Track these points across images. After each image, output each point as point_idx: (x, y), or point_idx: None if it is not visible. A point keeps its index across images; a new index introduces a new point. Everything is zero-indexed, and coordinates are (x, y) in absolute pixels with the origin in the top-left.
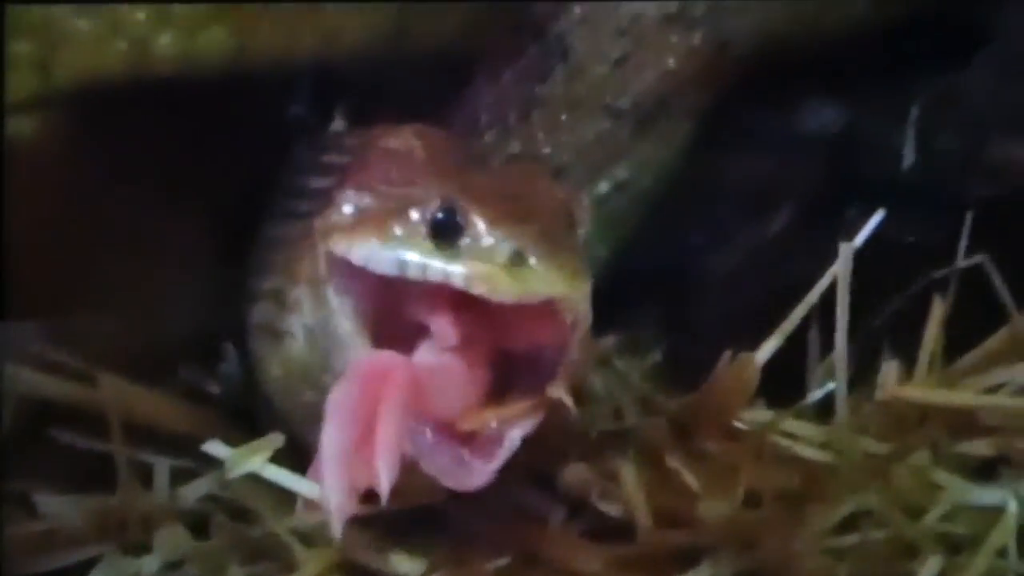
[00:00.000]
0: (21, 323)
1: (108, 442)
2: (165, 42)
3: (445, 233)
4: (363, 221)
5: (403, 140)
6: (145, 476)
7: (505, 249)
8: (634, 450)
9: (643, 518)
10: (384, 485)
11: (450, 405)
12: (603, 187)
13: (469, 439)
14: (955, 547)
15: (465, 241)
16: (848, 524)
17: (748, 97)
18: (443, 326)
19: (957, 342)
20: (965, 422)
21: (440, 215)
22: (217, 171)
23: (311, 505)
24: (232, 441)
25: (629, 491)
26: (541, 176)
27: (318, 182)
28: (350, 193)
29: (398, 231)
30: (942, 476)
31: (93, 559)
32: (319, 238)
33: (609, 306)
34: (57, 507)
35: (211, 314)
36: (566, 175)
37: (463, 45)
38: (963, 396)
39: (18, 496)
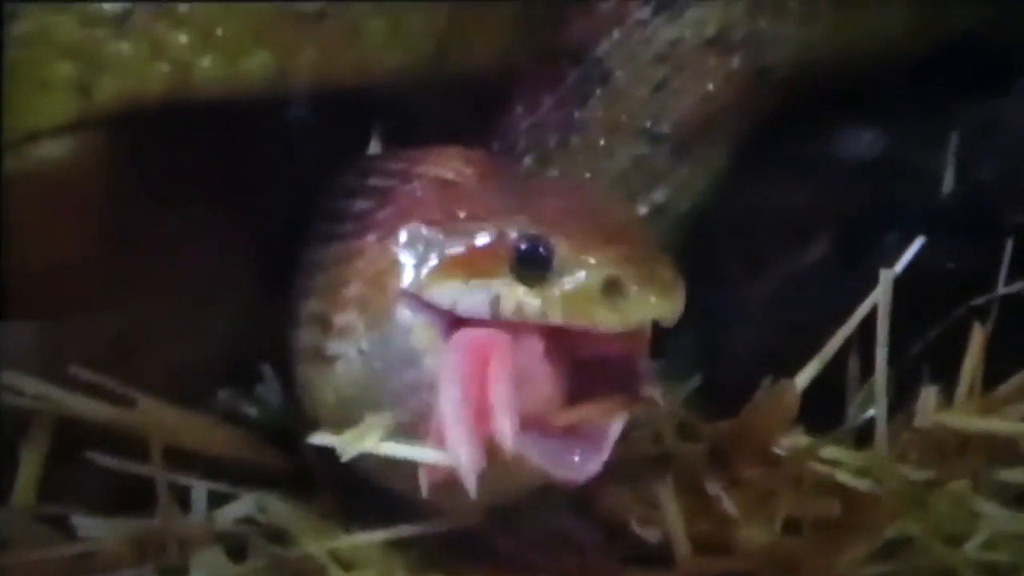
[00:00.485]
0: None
1: (146, 464)
2: (207, 65)
3: (532, 266)
4: (441, 262)
5: (452, 166)
6: (183, 499)
7: (599, 278)
8: (673, 476)
9: (682, 544)
10: (509, 443)
11: (534, 399)
12: (641, 211)
13: (569, 434)
14: (995, 575)
15: (554, 273)
16: (888, 552)
17: (787, 122)
18: (529, 340)
19: (997, 369)
20: (1005, 449)
21: (524, 247)
22: (257, 194)
23: (434, 473)
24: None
25: (668, 517)
26: (596, 188)
27: (359, 205)
28: (413, 226)
29: (482, 270)
30: (982, 504)
31: None
32: (382, 273)
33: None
34: (95, 529)
35: (249, 337)
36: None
37: (502, 70)
38: (1003, 424)
39: (56, 518)
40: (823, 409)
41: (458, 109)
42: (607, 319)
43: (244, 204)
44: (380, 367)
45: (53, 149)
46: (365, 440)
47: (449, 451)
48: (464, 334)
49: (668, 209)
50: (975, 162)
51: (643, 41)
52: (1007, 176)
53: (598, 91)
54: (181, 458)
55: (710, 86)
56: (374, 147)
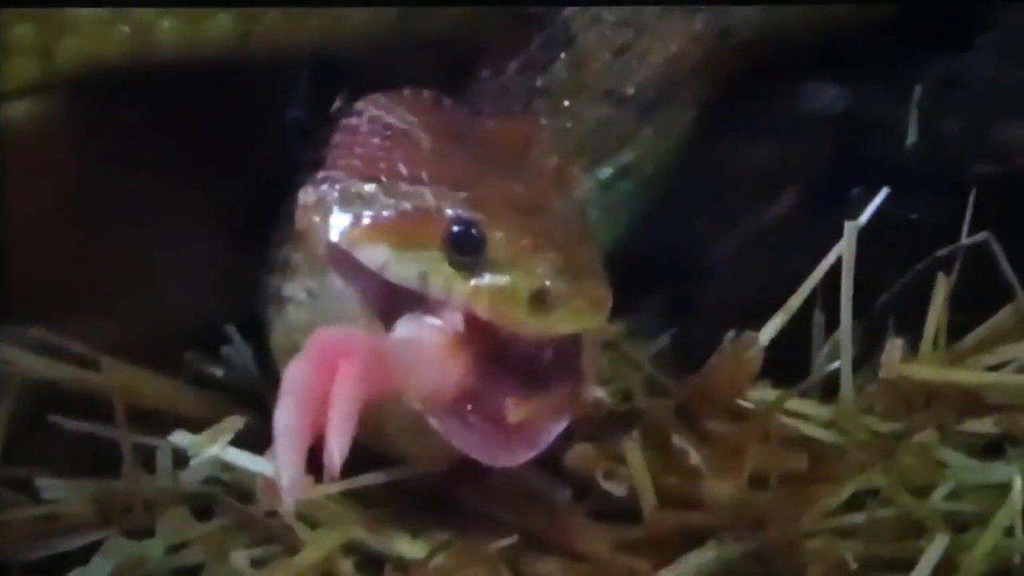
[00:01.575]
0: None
1: (111, 426)
2: (168, 28)
3: (463, 251)
4: (374, 223)
5: (403, 115)
6: (148, 460)
7: (527, 287)
8: (641, 432)
9: (649, 499)
10: (334, 462)
11: (425, 382)
12: (606, 172)
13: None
14: (962, 526)
15: (484, 264)
16: (854, 503)
17: (751, 80)
18: (452, 317)
19: (961, 320)
20: (970, 401)
21: (457, 229)
22: (219, 157)
23: (269, 484)
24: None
25: (635, 472)
26: (539, 145)
27: (317, 153)
28: (350, 175)
29: (412, 240)
30: (948, 455)
31: (96, 543)
32: (315, 220)
33: (617, 290)
34: (60, 491)
35: (215, 298)
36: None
37: (467, 34)
38: (968, 374)
39: (20, 480)
40: (789, 362)
41: (424, 72)
42: (531, 325)
43: (207, 166)
44: (322, 311)
45: (15, 111)
46: (214, 444)
47: (274, 469)
48: (319, 334)
49: (634, 170)
50: (938, 115)
51: (607, 4)
52: (969, 129)
53: (563, 55)
54: (147, 419)
55: (673, 48)
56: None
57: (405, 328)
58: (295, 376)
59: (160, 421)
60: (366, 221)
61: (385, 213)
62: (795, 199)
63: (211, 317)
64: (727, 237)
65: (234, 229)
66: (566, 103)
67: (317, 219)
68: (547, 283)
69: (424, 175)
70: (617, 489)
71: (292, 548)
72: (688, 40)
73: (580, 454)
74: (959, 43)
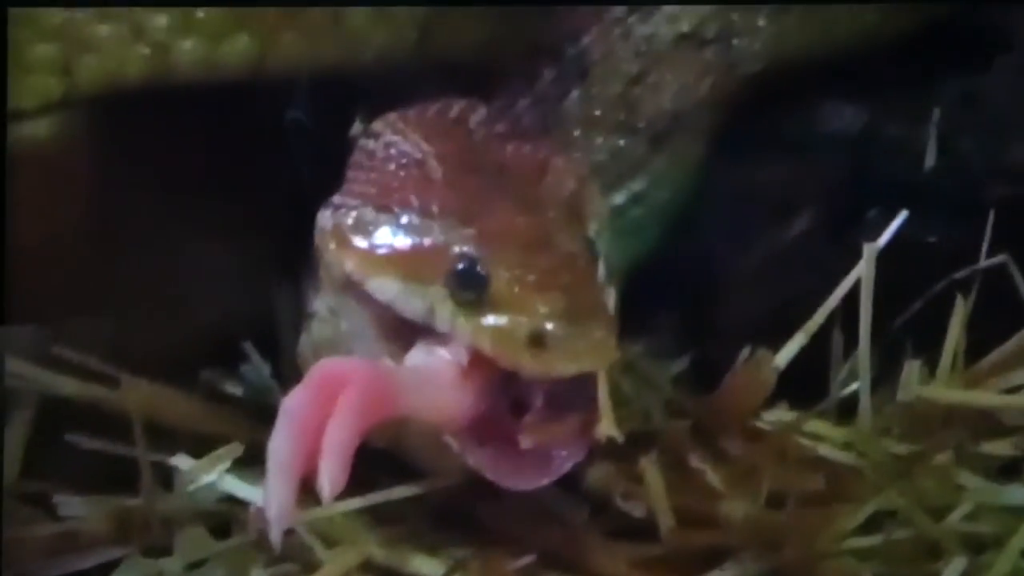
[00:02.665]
0: (36, 327)
1: (129, 443)
2: (187, 48)
3: (466, 288)
4: (383, 255)
5: (416, 141)
6: (166, 477)
7: (525, 329)
8: (659, 452)
9: (666, 518)
10: (326, 493)
11: (437, 410)
12: (619, 199)
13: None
14: (979, 547)
15: (487, 303)
16: (872, 525)
17: (768, 100)
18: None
19: (980, 342)
20: (988, 422)
21: (461, 266)
22: (237, 174)
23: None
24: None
25: (653, 492)
26: (556, 170)
27: (345, 173)
28: (364, 202)
29: (421, 276)
30: (965, 477)
31: (114, 561)
32: (331, 246)
33: (636, 311)
34: (78, 508)
35: (233, 316)
36: None
37: (485, 57)
38: (986, 396)
39: (39, 497)
40: (807, 384)
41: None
42: (530, 366)
43: (226, 183)
44: (342, 330)
45: (37, 129)
46: (214, 471)
47: (264, 499)
48: (321, 364)
49: (646, 198)
50: (957, 137)
51: (621, 37)
52: (988, 151)
53: (577, 86)
54: (165, 436)
55: (684, 80)
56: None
57: (417, 356)
58: (292, 405)
59: (178, 439)
60: (376, 253)
61: (394, 246)
62: (812, 220)
63: (229, 335)
64: (745, 258)
65: (253, 247)
66: (577, 133)
67: (333, 246)
68: (546, 326)
69: (434, 207)
70: (635, 510)
71: (310, 566)
72: (698, 72)
73: (599, 474)
74: (977, 64)
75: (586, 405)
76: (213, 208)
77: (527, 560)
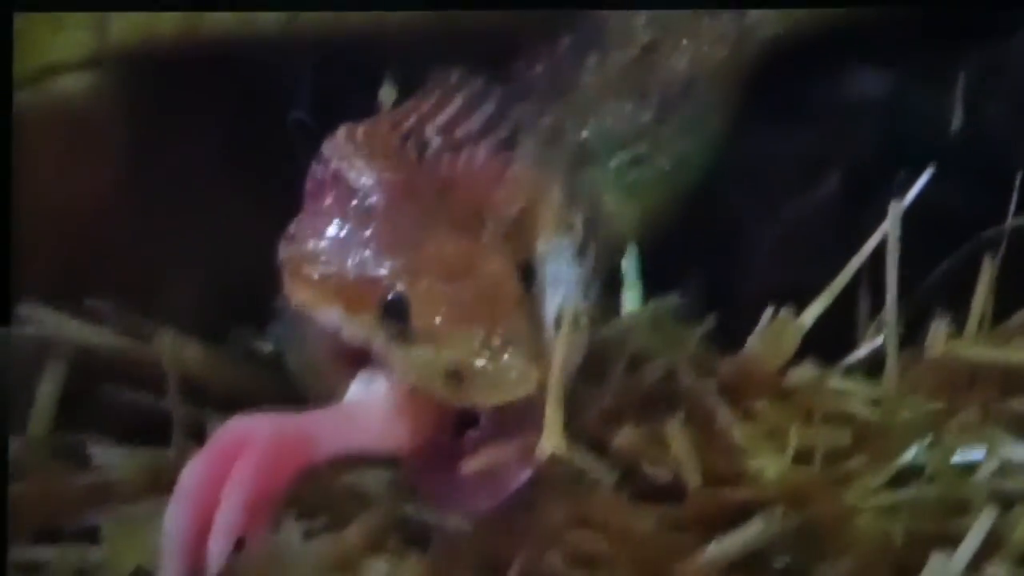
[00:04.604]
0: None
1: (160, 397)
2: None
3: (394, 318)
4: (326, 286)
5: (360, 169)
6: (196, 431)
7: (442, 362)
8: (685, 411)
9: (693, 477)
10: (212, 570)
11: (372, 443)
12: (621, 160)
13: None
14: (1007, 503)
15: (411, 337)
16: (900, 481)
17: (795, 65)
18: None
19: (1006, 301)
20: (1015, 380)
21: (389, 298)
22: (271, 133)
23: None
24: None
25: (679, 452)
26: (505, 188)
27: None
28: (312, 233)
29: (358, 307)
30: (992, 433)
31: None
32: (286, 278)
33: (662, 271)
34: (112, 458)
35: (264, 274)
36: (593, 147)
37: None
38: (1013, 354)
39: (73, 447)
40: (834, 343)
41: (464, 59)
42: (451, 398)
43: (262, 143)
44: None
45: (71, 84)
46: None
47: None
48: (222, 430)
49: (648, 162)
50: (983, 99)
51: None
52: (1014, 113)
53: (594, 52)
54: (195, 391)
55: (699, 46)
56: (385, 94)
57: (357, 388)
58: (187, 479)
59: (208, 393)
60: (319, 283)
61: (334, 277)
62: (840, 183)
63: (259, 292)
64: (772, 219)
65: (284, 205)
66: (591, 98)
67: (286, 276)
68: (460, 361)
69: (372, 237)
70: (662, 475)
71: (341, 521)
72: (713, 38)
73: (626, 437)
74: (1003, 27)
75: (532, 421)
76: (245, 165)
77: (554, 520)
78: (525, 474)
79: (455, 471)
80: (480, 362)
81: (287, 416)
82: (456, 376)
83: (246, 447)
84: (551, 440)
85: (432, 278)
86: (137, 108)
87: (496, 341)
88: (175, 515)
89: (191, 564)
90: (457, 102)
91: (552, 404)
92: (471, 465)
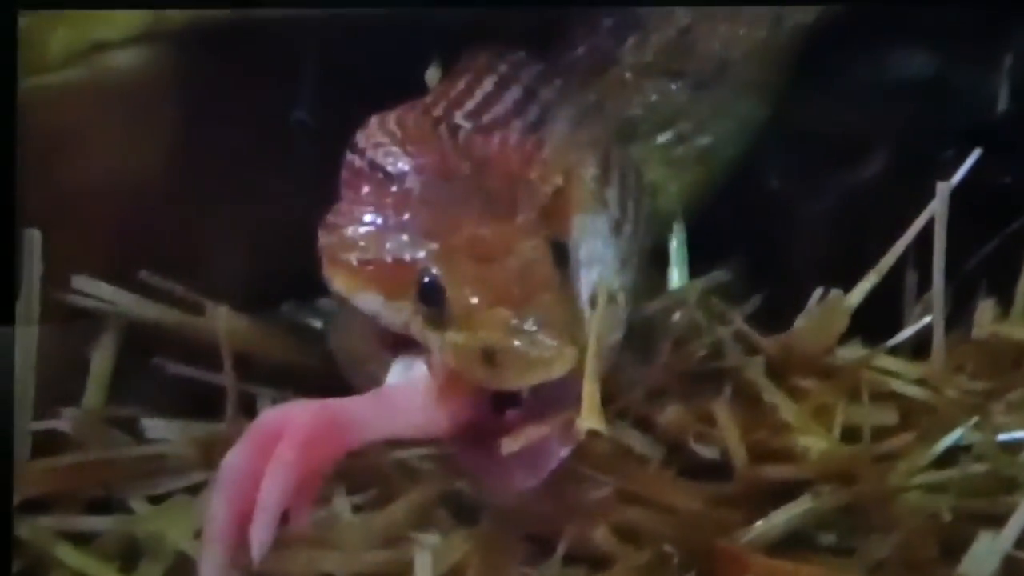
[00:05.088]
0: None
1: (212, 371)
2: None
3: (430, 302)
4: (364, 272)
5: (394, 155)
6: (247, 405)
7: (477, 342)
8: (731, 389)
9: (739, 455)
10: (255, 555)
11: (411, 427)
12: (664, 138)
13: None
14: None
15: (447, 319)
16: (946, 460)
17: (840, 44)
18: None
19: None
20: None
21: (425, 281)
22: (323, 107)
23: None
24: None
25: (725, 429)
26: (540, 167)
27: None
28: (349, 220)
29: (396, 292)
30: None
31: (199, 485)
32: (326, 266)
33: (708, 250)
34: (164, 432)
35: (314, 250)
36: (633, 125)
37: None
38: None
39: (126, 420)
40: (882, 323)
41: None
42: (487, 380)
43: (314, 116)
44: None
45: (123, 59)
46: None
47: (200, 564)
48: (259, 419)
49: (693, 139)
50: None
51: None
52: None
53: (633, 34)
54: (244, 366)
55: (734, 31)
56: (431, 76)
57: (396, 372)
58: (227, 468)
59: (258, 367)
60: (358, 269)
61: (372, 262)
62: (886, 164)
63: (308, 268)
64: (819, 198)
65: (334, 180)
66: (628, 76)
67: (325, 263)
68: (494, 341)
69: (408, 222)
70: (708, 452)
71: (391, 495)
72: (747, 23)
73: (672, 415)
74: None
75: (572, 399)
76: (296, 140)
77: (603, 493)
78: (564, 452)
79: (496, 450)
80: (515, 343)
81: (326, 402)
82: (491, 357)
83: (286, 434)
84: (589, 417)
85: (467, 261)
86: (189, 83)
87: (530, 322)
88: (216, 503)
89: (233, 551)
90: (486, 86)
91: (589, 381)
92: (510, 444)
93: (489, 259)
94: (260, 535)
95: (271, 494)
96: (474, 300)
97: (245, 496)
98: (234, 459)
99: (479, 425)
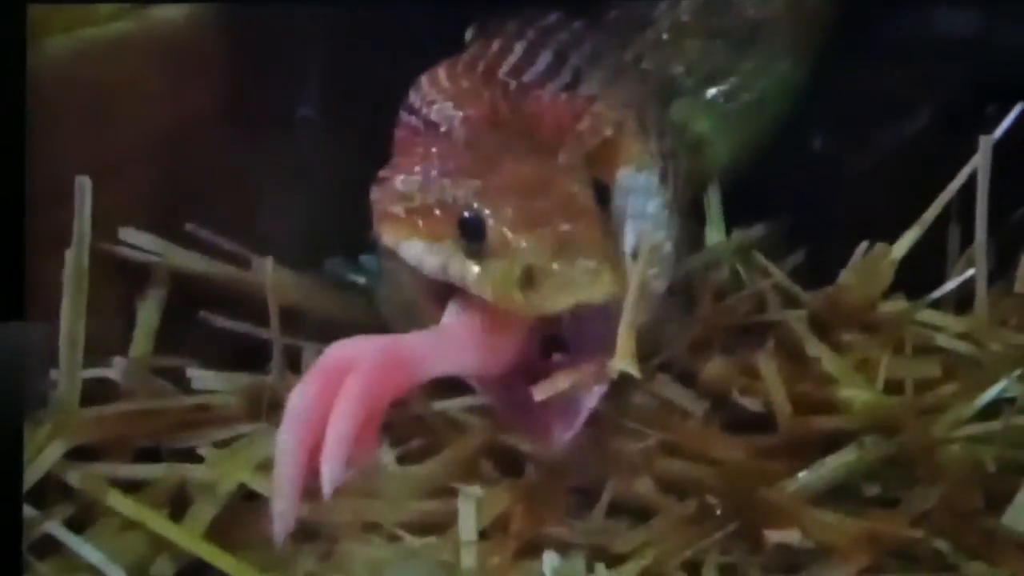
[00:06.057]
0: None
1: (258, 324)
2: None
3: (471, 238)
4: (409, 218)
5: (443, 109)
6: (291, 359)
7: (517, 266)
8: (775, 342)
9: (783, 407)
10: (326, 489)
11: (467, 364)
12: (712, 94)
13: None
14: None
15: (487, 250)
16: (990, 412)
17: (881, 1)
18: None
19: None
20: None
21: (465, 216)
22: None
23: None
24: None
25: (769, 383)
26: (589, 119)
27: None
28: (399, 174)
29: (436, 233)
30: None
31: (244, 435)
32: (376, 219)
33: (753, 205)
34: (210, 383)
35: (358, 207)
36: (676, 83)
37: None
38: None
39: (173, 371)
40: (924, 277)
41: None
42: (526, 304)
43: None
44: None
45: (171, 12)
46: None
47: (272, 497)
48: (326, 353)
49: (734, 96)
50: None
51: None
52: None
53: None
54: (288, 320)
55: None
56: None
57: (450, 314)
58: (296, 401)
59: (302, 321)
60: (403, 217)
61: (415, 207)
62: (930, 119)
63: (352, 224)
64: (863, 153)
65: (377, 140)
66: (666, 37)
67: (376, 217)
68: (534, 261)
69: (453, 168)
70: (752, 404)
71: (436, 447)
72: None
73: (715, 368)
74: None
75: (596, 346)
76: (345, 98)
77: (647, 444)
78: (598, 393)
79: (531, 400)
80: (551, 262)
81: (391, 337)
82: (530, 279)
83: (352, 369)
84: (622, 359)
85: (508, 194)
86: (239, 38)
87: (568, 243)
88: (286, 439)
89: (304, 485)
90: (517, 50)
91: (625, 325)
92: (542, 391)
93: (530, 192)
94: (331, 469)
95: (341, 427)
96: (513, 228)
97: (313, 431)
98: (302, 394)
99: (527, 369)
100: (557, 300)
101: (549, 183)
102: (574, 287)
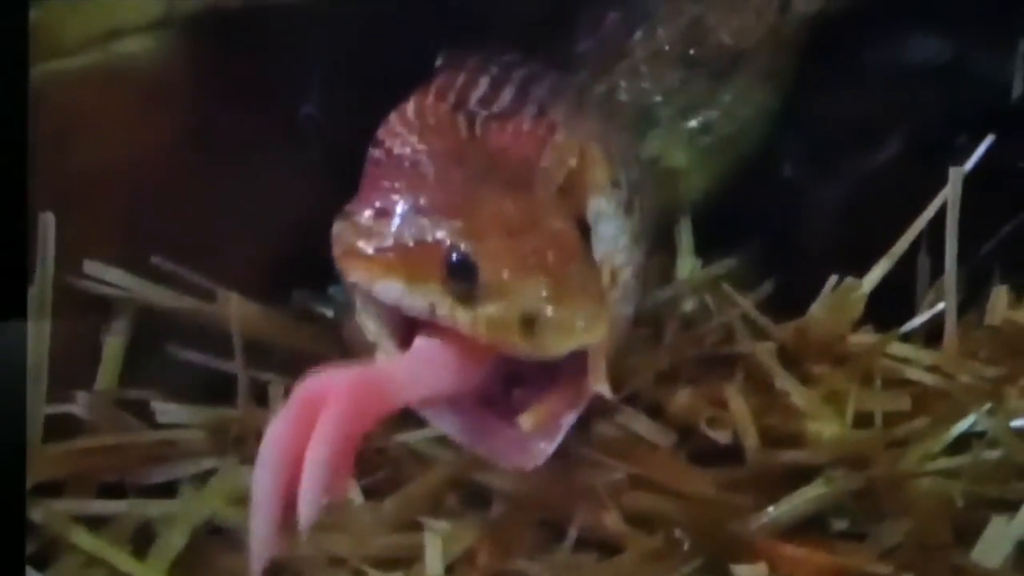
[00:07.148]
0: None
1: (223, 357)
2: None
3: (460, 281)
4: (383, 259)
5: (411, 144)
6: (259, 393)
7: (515, 312)
8: (743, 375)
9: (751, 439)
10: (303, 523)
11: (448, 383)
12: (690, 125)
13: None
14: None
15: (479, 293)
16: (959, 446)
17: (853, 29)
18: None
19: None
20: None
21: (453, 259)
22: (335, 96)
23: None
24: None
25: (737, 414)
26: (555, 150)
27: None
28: (366, 209)
29: (419, 275)
30: None
31: (210, 471)
32: (340, 256)
33: (721, 235)
34: (176, 416)
35: (326, 238)
36: (653, 114)
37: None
38: None
39: (138, 405)
40: (894, 309)
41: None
42: (526, 349)
43: (325, 105)
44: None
45: (136, 46)
46: None
47: (250, 534)
48: (300, 387)
49: (713, 128)
50: None
51: None
52: None
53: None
54: (256, 351)
55: (741, 21)
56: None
57: (419, 344)
58: (271, 435)
59: (269, 354)
60: (377, 257)
61: (392, 249)
62: (900, 149)
63: (319, 255)
64: (832, 184)
65: (345, 168)
66: (644, 68)
67: (339, 254)
68: (533, 308)
69: (427, 205)
70: (721, 436)
71: (401, 480)
72: (754, 14)
73: (683, 400)
74: None
75: (578, 370)
76: (311, 129)
77: (615, 477)
78: (573, 417)
79: (509, 426)
80: (552, 309)
81: (363, 367)
82: (530, 326)
83: (327, 401)
84: (595, 382)
85: (496, 234)
86: (202, 70)
87: (565, 288)
88: (262, 473)
89: (281, 521)
90: (483, 84)
91: (594, 350)
92: (528, 422)
93: (518, 232)
94: (309, 502)
95: (318, 461)
96: (508, 271)
97: (290, 465)
98: (277, 429)
99: (488, 396)
100: (557, 345)
101: (534, 220)
102: (574, 333)
